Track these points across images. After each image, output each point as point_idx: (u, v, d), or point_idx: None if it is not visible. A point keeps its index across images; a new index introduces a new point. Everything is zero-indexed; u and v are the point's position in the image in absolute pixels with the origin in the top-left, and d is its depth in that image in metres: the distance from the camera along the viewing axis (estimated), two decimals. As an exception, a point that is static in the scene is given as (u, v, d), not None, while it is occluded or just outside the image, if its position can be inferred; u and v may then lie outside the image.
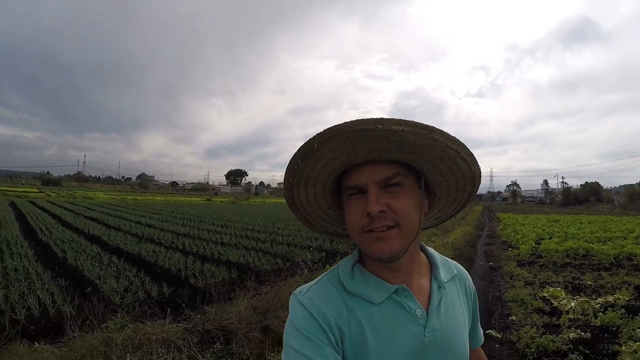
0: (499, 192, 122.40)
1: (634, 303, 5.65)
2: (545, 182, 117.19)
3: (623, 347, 4.03)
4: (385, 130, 0.76)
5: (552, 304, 5.87)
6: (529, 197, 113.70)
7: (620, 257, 10.10)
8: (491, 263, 9.97)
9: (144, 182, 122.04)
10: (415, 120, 0.78)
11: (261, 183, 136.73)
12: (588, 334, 4.63)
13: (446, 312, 0.93)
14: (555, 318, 5.30)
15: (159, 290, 5.61)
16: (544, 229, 18.09)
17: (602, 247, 11.02)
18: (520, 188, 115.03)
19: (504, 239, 15.30)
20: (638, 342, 4.00)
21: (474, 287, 1.10)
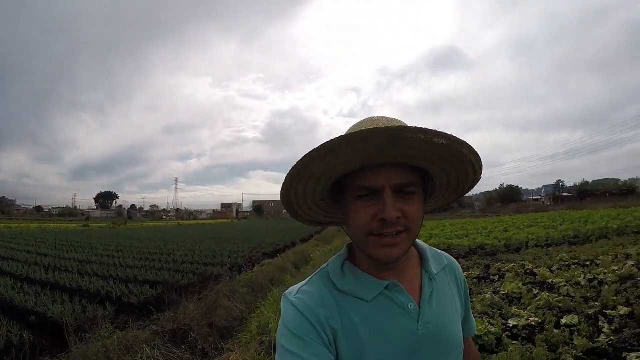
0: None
1: (482, 275, 7.54)
2: None
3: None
4: (424, 141, 0.75)
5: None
6: None
7: (474, 247, 12.49)
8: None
9: (5, 207, 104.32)
10: (451, 134, 0.76)
11: (132, 206, 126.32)
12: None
13: (438, 304, 0.92)
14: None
15: (104, 310, 5.97)
16: (432, 232, 20.44)
17: (460, 241, 13.53)
18: None
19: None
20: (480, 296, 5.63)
21: (463, 276, 1.08)
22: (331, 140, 0.74)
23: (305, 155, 0.77)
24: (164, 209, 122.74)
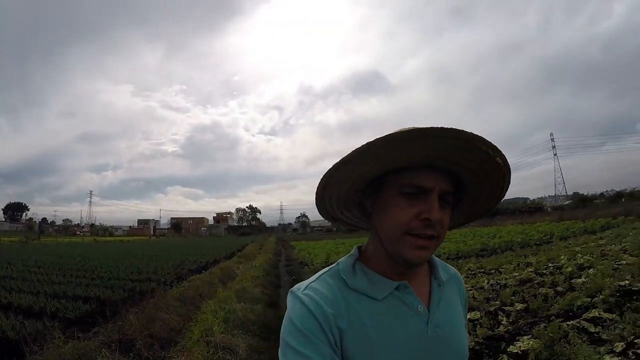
0: (289, 224, 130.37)
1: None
2: None
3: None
4: (489, 156, 0.79)
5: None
6: (317, 226, 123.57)
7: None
8: (293, 277, 12.54)
9: None
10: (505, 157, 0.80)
11: (44, 219, 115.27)
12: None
13: (446, 310, 0.93)
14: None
15: (43, 324, 6.05)
16: (332, 249, 22.28)
17: None
18: (309, 219, 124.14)
19: (300, 261, 18.43)
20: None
21: (465, 289, 1.09)
22: (412, 129, 0.74)
23: (384, 136, 0.76)
24: (78, 224, 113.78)
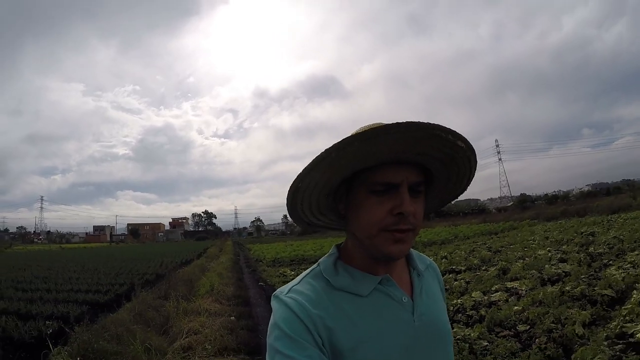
0: (245, 228, 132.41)
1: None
2: (285, 216, 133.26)
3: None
4: (450, 142, 0.81)
5: (284, 274, 13.48)
6: (272, 230, 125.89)
7: (321, 256, 19.24)
8: (253, 269, 17.38)
9: None
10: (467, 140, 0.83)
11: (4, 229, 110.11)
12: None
13: (428, 298, 0.97)
14: (290, 278, 12.83)
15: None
16: (281, 249, 27.64)
17: (314, 252, 20.69)
18: (263, 223, 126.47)
19: (255, 258, 23.22)
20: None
21: (441, 277, 1.14)
22: (373, 128, 0.76)
23: (346, 139, 0.77)
24: (34, 231, 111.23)
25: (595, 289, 5.97)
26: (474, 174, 0.94)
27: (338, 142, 0.78)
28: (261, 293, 10.43)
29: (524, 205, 58.82)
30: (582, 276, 7.21)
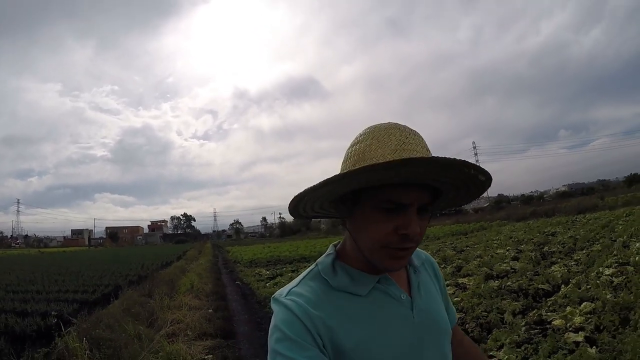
0: (224, 230, 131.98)
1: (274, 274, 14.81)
2: (264, 218, 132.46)
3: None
4: (470, 176, 0.82)
5: (260, 274, 14.45)
6: (251, 232, 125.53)
7: (297, 258, 20.05)
8: (230, 270, 18.31)
9: None
10: (487, 171, 0.81)
11: None
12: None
13: (426, 293, 0.99)
14: (265, 278, 13.81)
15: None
16: (258, 251, 28.61)
17: (290, 253, 21.75)
18: (242, 225, 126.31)
19: (233, 259, 24.22)
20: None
21: (439, 269, 1.15)
22: (396, 160, 0.74)
23: (368, 166, 0.76)
24: (12, 236, 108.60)
25: (532, 283, 6.80)
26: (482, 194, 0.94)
27: (352, 170, 0.77)
28: (237, 290, 11.45)
29: (499, 205, 59.97)
30: (528, 272, 7.93)
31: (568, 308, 5.06)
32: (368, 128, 0.90)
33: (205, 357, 5.20)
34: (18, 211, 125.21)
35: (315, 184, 0.82)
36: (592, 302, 5.13)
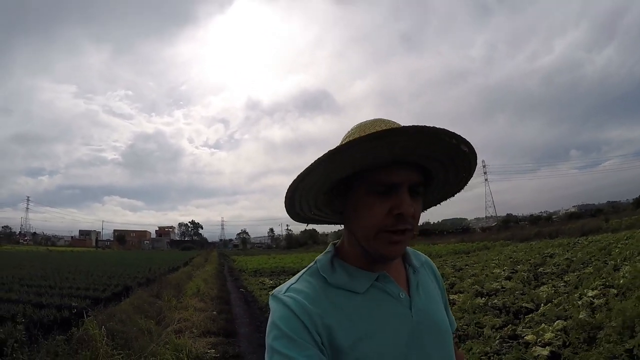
0: (231, 240, 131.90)
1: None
2: (272, 230, 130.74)
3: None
4: (453, 146, 0.82)
5: (263, 283, 14.93)
6: (257, 243, 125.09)
7: (300, 269, 20.57)
8: (235, 278, 18.82)
9: None
10: (470, 143, 0.83)
11: None
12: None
13: (425, 293, 0.98)
14: (267, 287, 14.29)
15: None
16: (263, 262, 29.20)
17: (294, 264, 22.57)
18: (249, 235, 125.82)
19: (238, 268, 24.74)
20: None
21: (439, 273, 1.15)
22: (379, 131, 0.77)
23: (351, 141, 0.78)
24: (20, 232, 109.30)
25: (517, 302, 7.24)
26: (472, 174, 0.94)
27: (337, 147, 0.80)
28: (241, 297, 11.94)
29: (507, 225, 59.48)
30: (516, 292, 8.30)
31: (543, 325, 5.41)
32: (356, 124, 0.94)
33: (208, 351, 5.71)
34: (27, 208, 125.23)
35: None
36: (565, 320, 5.48)
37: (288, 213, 1.00)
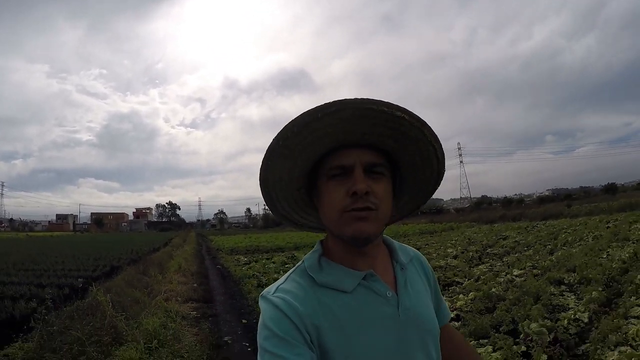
0: (208, 220, 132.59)
1: (285, 260, 16.84)
2: (249, 209, 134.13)
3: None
4: (387, 114, 0.81)
5: (238, 260, 16.52)
6: (235, 223, 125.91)
7: (273, 248, 22.12)
8: (213, 256, 20.34)
9: None
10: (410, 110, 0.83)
11: None
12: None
13: (413, 291, 0.96)
14: (242, 263, 15.88)
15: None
16: (239, 241, 30.98)
17: (268, 243, 24.06)
18: (226, 215, 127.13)
19: (216, 247, 26.36)
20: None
21: (430, 266, 1.12)
22: (308, 111, 0.80)
23: (282, 130, 0.81)
24: None
25: (451, 277, 8.36)
26: (440, 153, 0.92)
27: (280, 131, 0.83)
28: (218, 272, 13.52)
29: (480, 207, 61.34)
30: (458, 269, 9.35)
31: (460, 295, 6.57)
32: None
33: (191, 312, 7.32)
34: (2, 194, 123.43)
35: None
36: (477, 292, 6.50)
37: (273, 214, 1.03)
